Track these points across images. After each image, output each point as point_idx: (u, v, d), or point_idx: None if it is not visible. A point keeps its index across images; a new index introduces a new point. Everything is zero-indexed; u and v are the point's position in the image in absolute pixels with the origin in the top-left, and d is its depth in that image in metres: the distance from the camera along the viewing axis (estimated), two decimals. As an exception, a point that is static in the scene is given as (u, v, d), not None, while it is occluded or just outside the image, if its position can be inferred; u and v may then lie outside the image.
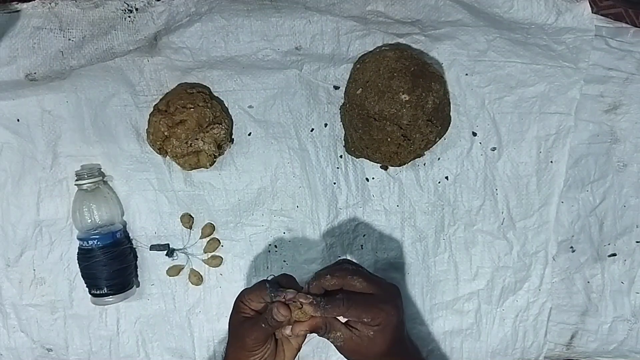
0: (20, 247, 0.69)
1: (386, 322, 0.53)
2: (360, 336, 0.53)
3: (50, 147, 0.68)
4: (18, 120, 0.68)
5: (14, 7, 0.68)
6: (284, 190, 0.69)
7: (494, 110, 0.68)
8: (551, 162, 0.69)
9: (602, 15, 0.69)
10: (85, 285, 0.67)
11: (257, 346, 0.55)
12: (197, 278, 0.70)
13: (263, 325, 0.54)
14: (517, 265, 0.70)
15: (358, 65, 0.66)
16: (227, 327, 0.58)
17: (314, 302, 0.53)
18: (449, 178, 0.69)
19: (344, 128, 0.68)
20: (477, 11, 0.69)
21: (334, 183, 0.69)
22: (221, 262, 0.70)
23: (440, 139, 0.68)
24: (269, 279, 0.58)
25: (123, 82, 0.68)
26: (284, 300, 0.53)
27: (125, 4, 0.68)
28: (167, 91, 0.68)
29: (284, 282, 0.58)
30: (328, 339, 0.55)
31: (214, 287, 0.70)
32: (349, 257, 0.70)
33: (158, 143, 0.66)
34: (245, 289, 0.58)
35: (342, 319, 0.55)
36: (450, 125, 0.68)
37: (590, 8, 0.68)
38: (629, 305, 0.70)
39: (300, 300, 0.53)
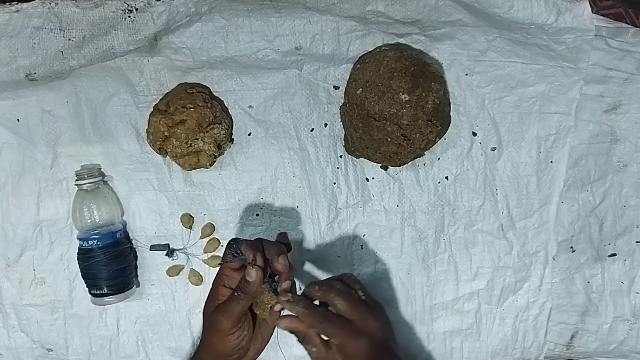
0: (20, 247, 0.69)
1: (353, 355, 0.53)
2: (332, 359, 0.54)
3: (50, 147, 0.68)
4: (18, 120, 0.68)
5: (14, 7, 0.68)
6: (284, 190, 0.69)
7: (494, 110, 0.68)
8: (551, 162, 0.69)
9: (602, 15, 0.69)
10: (85, 285, 0.67)
11: (232, 326, 0.54)
12: (197, 278, 0.70)
13: (236, 294, 0.54)
14: (517, 265, 0.70)
15: (358, 65, 0.66)
16: (202, 319, 0.58)
17: (291, 300, 0.54)
18: (449, 178, 0.69)
19: (344, 128, 0.68)
20: (477, 11, 0.69)
21: (334, 183, 0.69)
22: (221, 262, 0.70)
23: (440, 139, 0.68)
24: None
25: (123, 82, 0.68)
26: (252, 262, 0.53)
27: (125, 4, 0.68)
28: (167, 91, 0.68)
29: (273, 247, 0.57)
30: (305, 349, 0.56)
31: (214, 287, 0.70)
32: (348, 257, 0.70)
33: (158, 143, 0.66)
34: (218, 273, 0.57)
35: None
36: (450, 125, 0.68)
37: (590, 8, 0.68)
38: (629, 305, 0.70)
39: (283, 288, 0.55)
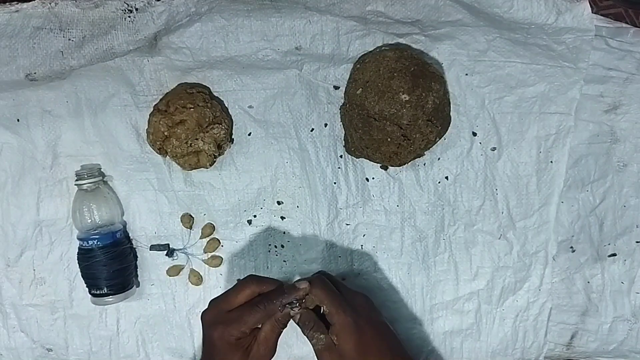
0: (20, 247, 0.69)
1: (343, 326, 0.56)
2: (335, 349, 0.56)
3: (50, 147, 0.68)
4: (18, 120, 0.68)
5: (14, 7, 0.68)
6: (284, 190, 0.69)
7: (494, 110, 0.68)
8: (551, 162, 0.69)
9: (602, 15, 0.69)
10: (85, 285, 0.67)
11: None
12: (197, 278, 0.70)
13: (278, 325, 0.57)
14: (517, 265, 0.70)
15: (358, 65, 0.66)
16: (208, 352, 0.58)
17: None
18: (449, 178, 0.69)
19: (344, 128, 0.68)
20: (477, 11, 0.69)
21: (334, 183, 0.69)
22: (221, 262, 0.70)
23: (440, 139, 0.68)
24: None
25: (123, 82, 0.68)
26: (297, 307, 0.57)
27: (125, 4, 0.68)
28: (167, 91, 0.68)
29: (268, 283, 0.60)
30: (310, 341, 0.57)
31: (214, 287, 0.70)
32: (348, 257, 0.70)
33: (158, 143, 0.66)
34: (232, 321, 0.57)
35: None
36: (450, 125, 0.68)
37: (590, 8, 0.68)
38: (629, 305, 0.70)
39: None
